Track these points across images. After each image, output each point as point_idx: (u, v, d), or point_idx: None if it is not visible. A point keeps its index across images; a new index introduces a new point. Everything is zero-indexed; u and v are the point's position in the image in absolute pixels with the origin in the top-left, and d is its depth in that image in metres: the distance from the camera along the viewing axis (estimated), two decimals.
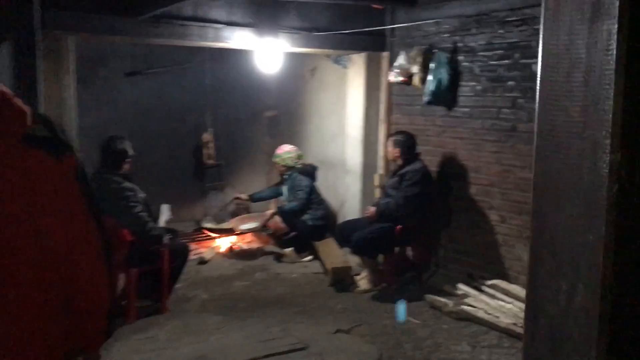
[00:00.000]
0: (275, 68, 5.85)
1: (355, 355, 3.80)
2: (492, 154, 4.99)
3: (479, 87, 5.06)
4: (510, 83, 4.80)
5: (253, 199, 6.54)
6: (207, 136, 6.88)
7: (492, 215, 5.02)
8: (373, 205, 5.07)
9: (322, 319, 4.42)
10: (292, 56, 6.21)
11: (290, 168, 6.09)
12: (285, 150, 6.17)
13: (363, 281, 5.06)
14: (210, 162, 6.91)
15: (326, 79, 6.74)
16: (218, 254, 6.00)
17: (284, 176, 6.20)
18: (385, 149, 5.60)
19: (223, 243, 6.20)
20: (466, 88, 5.15)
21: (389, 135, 5.57)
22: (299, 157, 6.16)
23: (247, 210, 6.84)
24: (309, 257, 5.74)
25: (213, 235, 6.27)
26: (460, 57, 5.17)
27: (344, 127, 6.33)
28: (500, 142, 4.92)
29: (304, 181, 5.98)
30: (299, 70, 6.96)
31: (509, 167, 4.87)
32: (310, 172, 6.02)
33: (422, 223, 5.04)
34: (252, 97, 7.24)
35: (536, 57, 1.62)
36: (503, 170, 4.92)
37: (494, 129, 4.97)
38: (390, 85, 5.81)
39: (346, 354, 3.81)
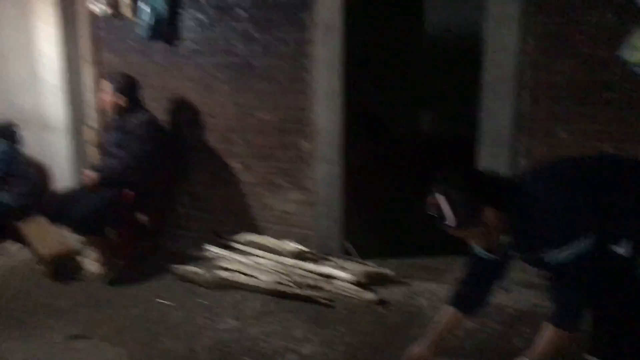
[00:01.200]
0: None
1: None
2: (227, 94, 4.40)
3: (203, 17, 4.34)
4: (240, 11, 4.20)
5: None
6: None
7: (234, 164, 4.49)
8: (92, 169, 4.07)
9: (45, 325, 3.41)
10: None
11: None
12: None
13: (92, 265, 4.11)
14: None
15: (3, 11, 5.22)
16: None
17: None
18: (98, 96, 4.57)
19: None
20: (189, 18, 4.39)
21: (101, 78, 4.54)
22: None
23: None
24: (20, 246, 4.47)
25: None
26: None
27: (35, 71, 5.01)
28: (234, 80, 4.35)
29: None
30: None
31: (248, 109, 4.36)
32: (4, 133, 4.58)
33: (157, 184, 4.25)
34: None
35: None
36: (241, 112, 4.39)
37: (225, 66, 4.35)
38: (95, 17, 4.70)
39: None
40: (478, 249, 2.05)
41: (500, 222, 1.88)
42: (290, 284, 3.78)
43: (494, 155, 3.62)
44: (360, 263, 4.07)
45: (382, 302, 3.61)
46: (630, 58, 3.13)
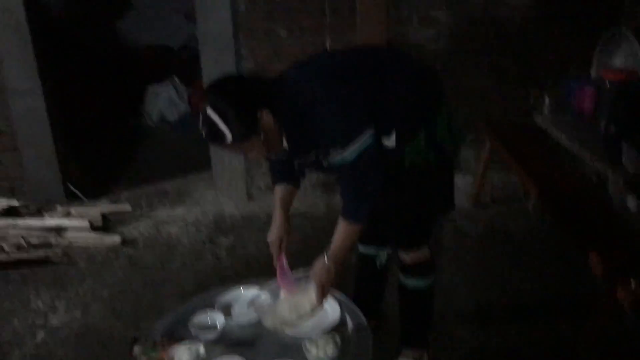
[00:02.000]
0: None
1: None
2: None
3: None
4: None
5: None
6: None
7: None
8: None
9: None
10: None
11: None
12: None
13: None
14: None
15: None
16: None
17: None
18: None
19: None
20: None
21: None
22: None
23: None
24: None
25: None
26: None
27: None
28: None
29: None
30: None
31: None
32: None
33: None
34: None
35: None
36: None
37: None
38: None
39: None
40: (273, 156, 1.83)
41: (277, 126, 1.71)
42: (7, 249, 3.12)
43: (218, 60, 3.38)
44: (90, 205, 3.57)
45: (127, 242, 3.24)
46: None
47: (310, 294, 1.88)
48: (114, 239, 3.23)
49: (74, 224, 3.31)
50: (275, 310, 1.91)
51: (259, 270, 2.90)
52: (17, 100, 3.40)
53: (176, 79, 5.20)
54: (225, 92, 1.70)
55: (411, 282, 2.15)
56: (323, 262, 1.86)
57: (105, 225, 3.40)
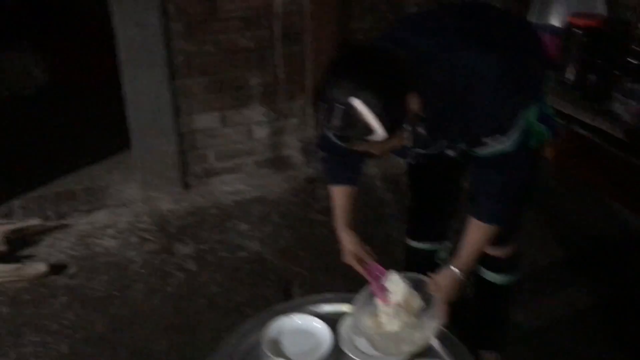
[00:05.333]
0: None
1: None
2: None
3: None
4: None
5: None
6: None
7: None
8: None
9: None
10: None
11: None
12: None
13: None
14: None
15: None
16: None
17: None
18: None
19: None
20: None
21: None
22: None
23: None
24: None
25: None
26: None
27: None
28: None
29: None
30: None
31: None
32: None
33: None
34: None
35: None
36: None
37: None
38: None
39: None
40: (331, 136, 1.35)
41: (420, 110, 1.28)
42: None
43: (138, 21, 2.65)
44: None
45: (56, 269, 2.47)
46: None
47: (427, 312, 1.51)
48: (38, 268, 2.44)
49: None
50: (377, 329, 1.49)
51: (248, 280, 2.42)
52: None
53: (28, 43, 4.14)
54: (372, 74, 1.21)
55: (498, 278, 1.88)
56: (450, 273, 1.53)
57: (11, 250, 2.57)
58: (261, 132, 3.13)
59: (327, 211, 2.88)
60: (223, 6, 2.77)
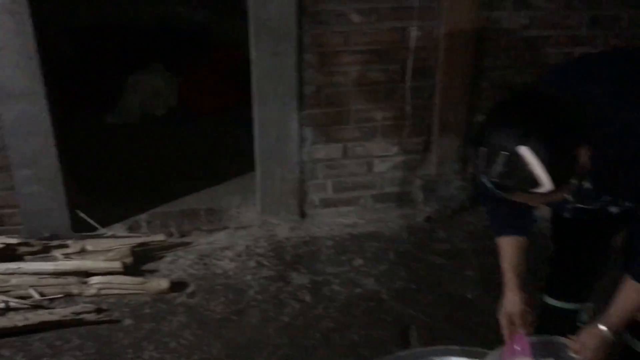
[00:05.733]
0: None
1: None
2: None
3: None
4: None
5: None
6: None
7: None
8: None
9: None
10: None
11: None
12: None
13: None
14: None
15: None
16: None
17: None
18: None
19: None
20: None
21: None
22: None
23: None
24: None
25: None
26: None
27: None
28: None
29: None
30: None
31: None
32: None
33: None
34: None
35: None
36: None
37: None
38: None
39: None
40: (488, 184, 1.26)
41: (588, 162, 1.19)
42: (13, 305, 2.35)
43: (276, 52, 2.71)
44: (107, 237, 2.80)
45: (176, 287, 2.53)
46: None
47: None
48: (160, 283, 2.51)
49: (101, 265, 2.55)
50: None
51: (363, 319, 2.35)
52: (10, 104, 2.55)
53: (161, 66, 4.38)
54: (543, 121, 1.14)
55: None
56: (598, 331, 1.40)
57: (134, 263, 2.66)
58: (381, 167, 3.08)
59: (446, 253, 2.83)
60: (356, 39, 2.77)
